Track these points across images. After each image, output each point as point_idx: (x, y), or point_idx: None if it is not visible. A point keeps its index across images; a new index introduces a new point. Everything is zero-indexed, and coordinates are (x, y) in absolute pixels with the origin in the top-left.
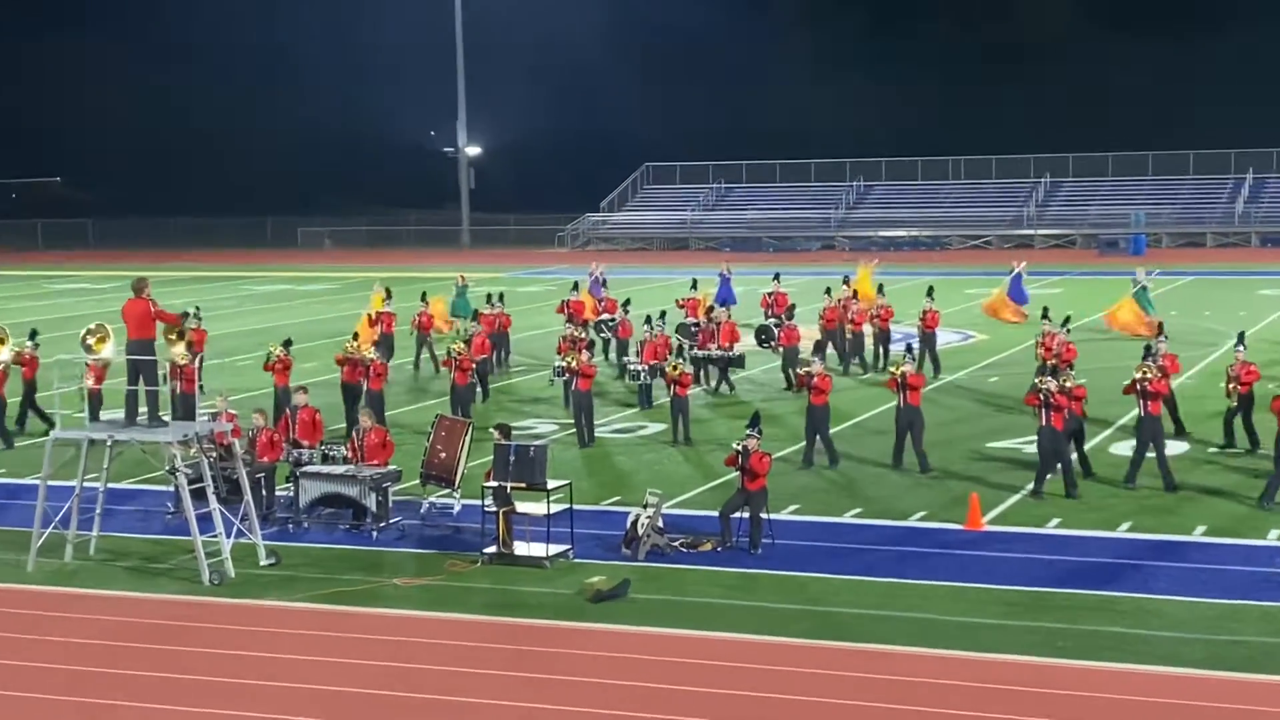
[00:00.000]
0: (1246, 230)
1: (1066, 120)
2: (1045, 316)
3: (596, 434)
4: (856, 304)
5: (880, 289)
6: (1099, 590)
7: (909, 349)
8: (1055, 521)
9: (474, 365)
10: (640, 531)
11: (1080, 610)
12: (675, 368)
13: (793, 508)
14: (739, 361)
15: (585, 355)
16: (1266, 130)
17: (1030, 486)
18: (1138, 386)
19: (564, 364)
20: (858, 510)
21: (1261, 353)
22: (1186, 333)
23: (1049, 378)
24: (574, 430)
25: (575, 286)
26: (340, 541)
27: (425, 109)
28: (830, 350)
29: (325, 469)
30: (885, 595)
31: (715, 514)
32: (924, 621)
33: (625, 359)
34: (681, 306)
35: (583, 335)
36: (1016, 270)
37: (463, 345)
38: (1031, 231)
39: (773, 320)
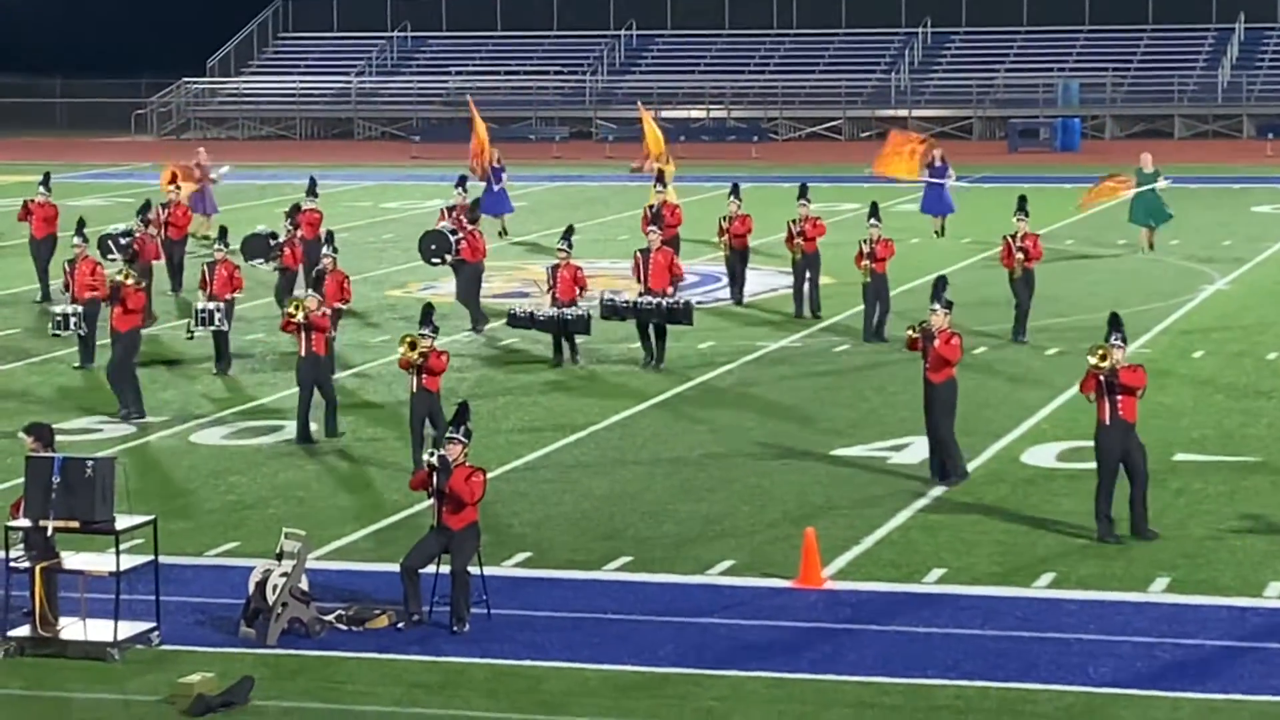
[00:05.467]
0: (1234, 111)
1: None
2: (1022, 208)
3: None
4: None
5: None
6: (1010, 682)
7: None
8: (937, 573)
9: None
10: (271, 599)
11: (980, 715)
12: (412, 343)
13: (521, 556)
14: (580, 325)
15: (314, 303)
16: None
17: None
18: (1099, 379)
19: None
20: (625, 560)
21: (1251, 308)
22: (1144, 272)
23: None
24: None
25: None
26: None
27: None
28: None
29: None
30: (670, 699)
31: (395, 568)
32: None
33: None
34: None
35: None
36: (939, 165)
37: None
38: (903, 113)
39: (447, 226)
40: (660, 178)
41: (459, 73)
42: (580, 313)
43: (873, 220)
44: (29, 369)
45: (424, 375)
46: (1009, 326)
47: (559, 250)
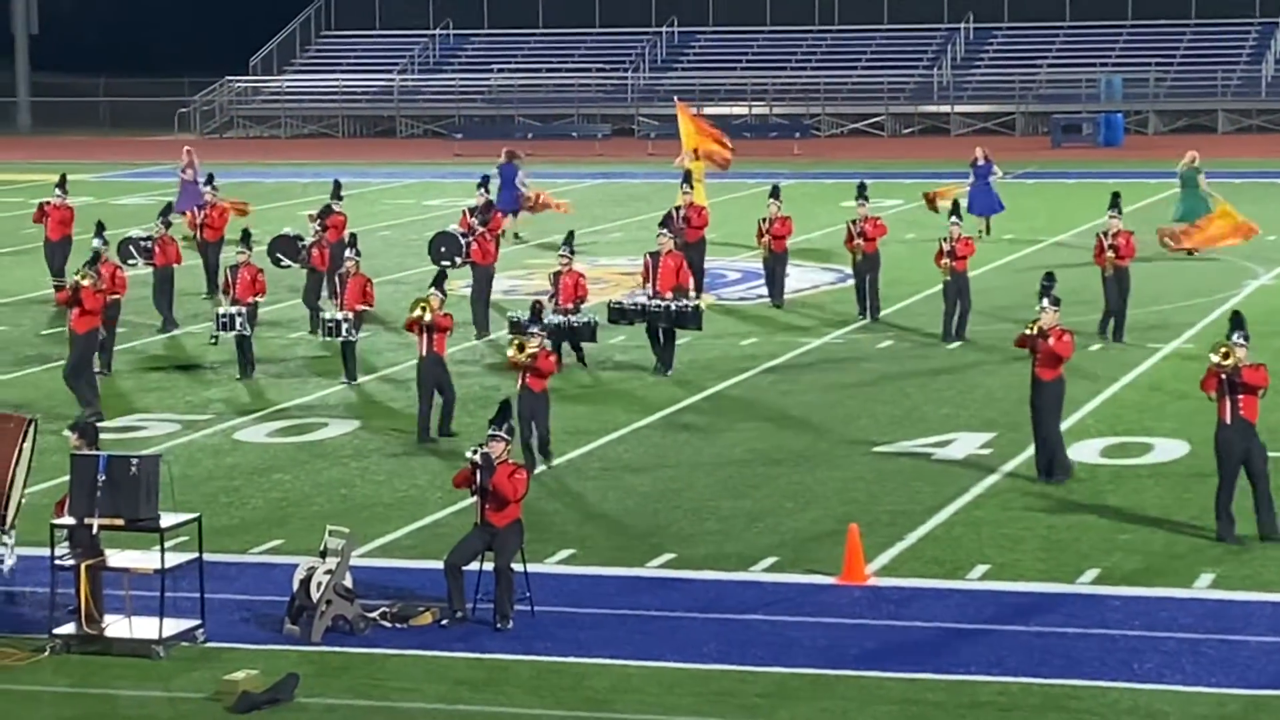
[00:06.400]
0: (1278, 106)
1: None
2: (1115, 205)
3: (244, 432)
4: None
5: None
6: (1054, 679)
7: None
8: (981, 569)
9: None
10: (315, 596)
11: (1023, 712)
12: (520, 345)
13: (564, 553)
14: (586, 333)
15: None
16: None
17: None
18: (1220, 377)
19: (230, 313)
20: (668, 557)
21: None
22: (1187, 268)
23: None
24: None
25: (337, 193)
26: None
27: None
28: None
29: None
30: (714, 695)
31: (439, 566)
32: None
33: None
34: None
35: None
36: (983, 163)
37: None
38: (946, 108)
39: (457, 229)
40: (686, 178)
41: (501, 70)
42: (586, 319)
43: (953, 218)
44: (49, 374)
45: (529, 375)
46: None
47: (561, 256)
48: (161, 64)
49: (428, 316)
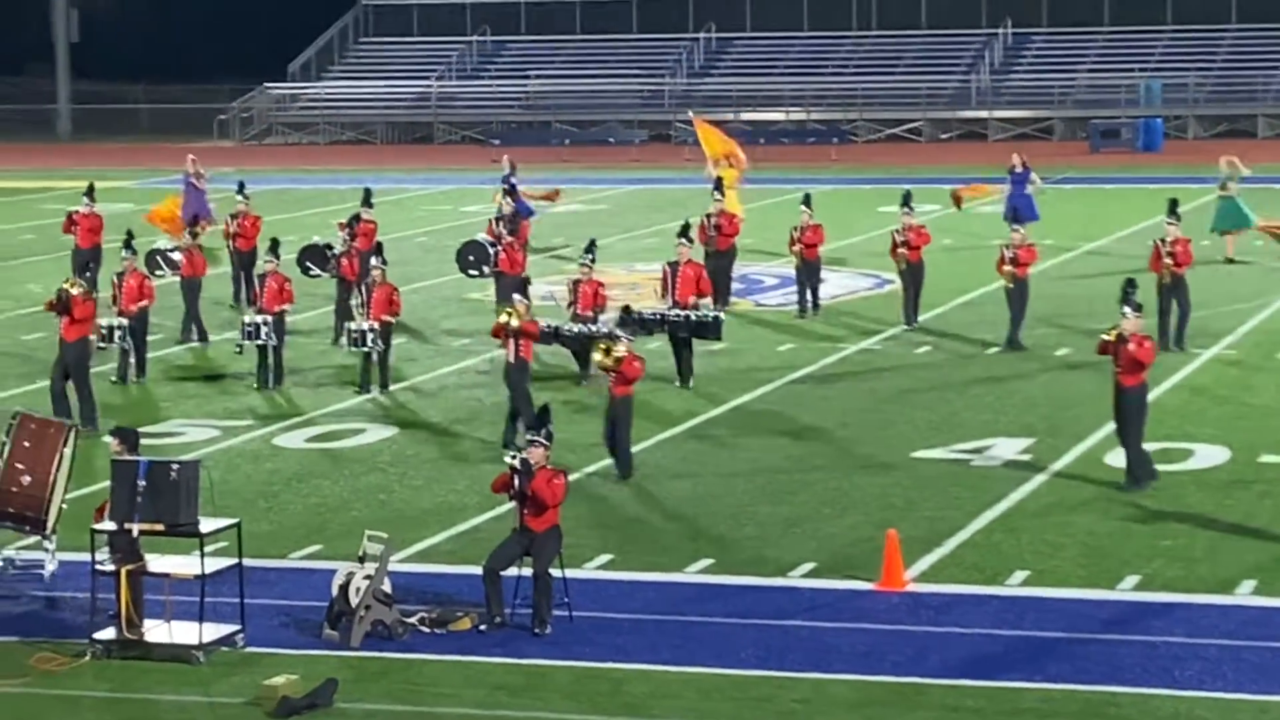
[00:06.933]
0: None
1: None
2: (1173, 212)
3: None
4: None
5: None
6: (1095, 685)
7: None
8: (1021, 575)
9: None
10: (354, 602)
11: (1064, 719)
12: (606, 348)
13: (603, 558)
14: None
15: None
16: None
17: None
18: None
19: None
20: (706, 562)
21: None
22: (1227, 275)
23: None
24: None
25: (367, 200)
26: None
27: None
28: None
29: None
30: (752, 701)
31: (478, 571)
32: None
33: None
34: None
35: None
36: (1020, 170)
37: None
38: (984, 114)
39: (485, 238)
40: (718, 185)
41: (538, 76)
42: (607, 329)
43: (1014, 224)
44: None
45: (613, 380)
46: (1086, 329)
47: (581, 265)
48: (200, 71)
49: (515, 322)
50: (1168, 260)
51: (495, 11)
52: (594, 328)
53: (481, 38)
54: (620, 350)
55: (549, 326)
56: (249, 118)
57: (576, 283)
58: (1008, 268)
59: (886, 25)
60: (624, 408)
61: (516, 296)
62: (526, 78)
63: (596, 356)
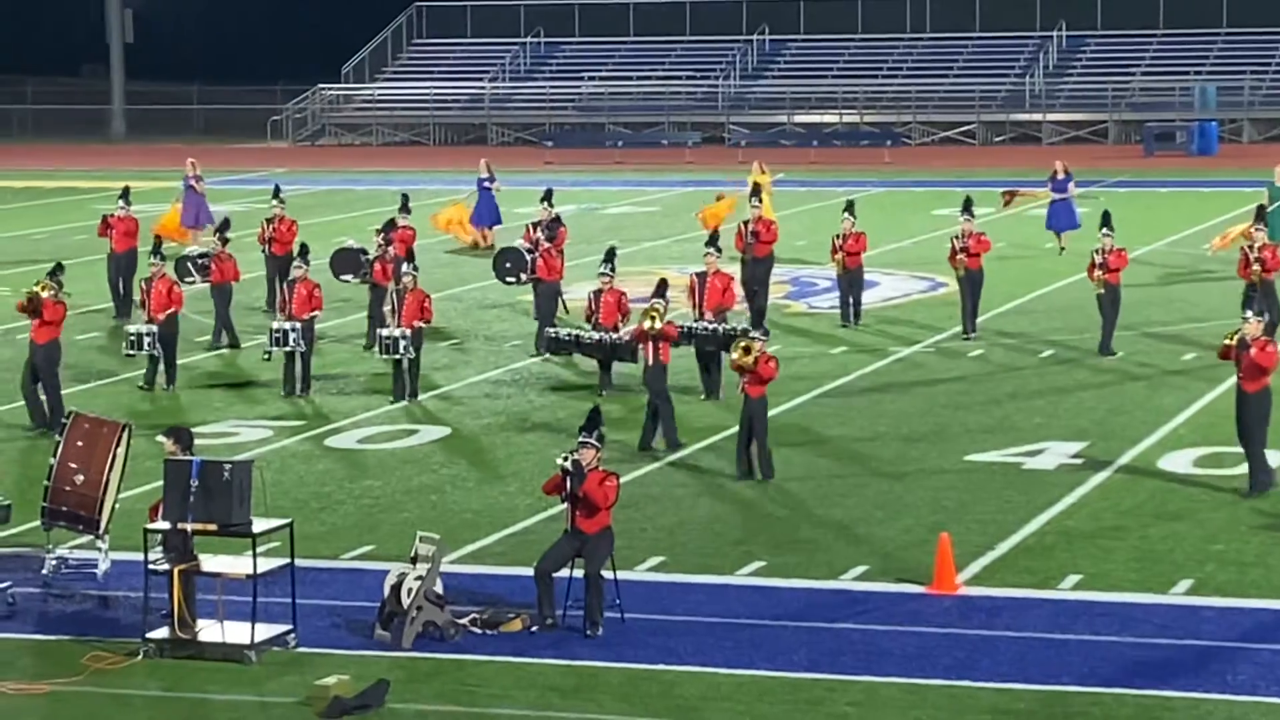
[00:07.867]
0: None
1: None
2: (1260, 218)
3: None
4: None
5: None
6: (1147, 689)
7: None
8: (1073, 579)
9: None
10: (406, 602)
11: None
12: (745, 348)
13: (655, 560)
14: (626, 351)
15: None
16: None
17: None
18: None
19: (284, 329)
20: (758, 565)
21: None
22: None
23: None
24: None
25: (405, 206)
26: None
27: None
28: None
29: None
30: (804, 704)
31: (529, 573)
32: None
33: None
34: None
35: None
36: (1061, 177)
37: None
38: (1038, 116)
39: (523, 244)
40: (755, 191)
41: (591, 78)
42: (628, 339)
43: (1104, 229)
44: (127, 385)
45: (748, 381)
46: (1141, 332)
47: (601, 275)
48: (254, 72)
49: (657, 325)
50: (1256, 266)
51: (549, 13)
52: (614, 337)
53: (535, 39)
54: (758, 349)
55: (569, 335)
56: (302, 119)
57: (598, 293)
58: (1098, 273)
59: (940, 28)
60: (759, 409)
61: (655, 299)
62: (580, 79)
63: (734, 356)
